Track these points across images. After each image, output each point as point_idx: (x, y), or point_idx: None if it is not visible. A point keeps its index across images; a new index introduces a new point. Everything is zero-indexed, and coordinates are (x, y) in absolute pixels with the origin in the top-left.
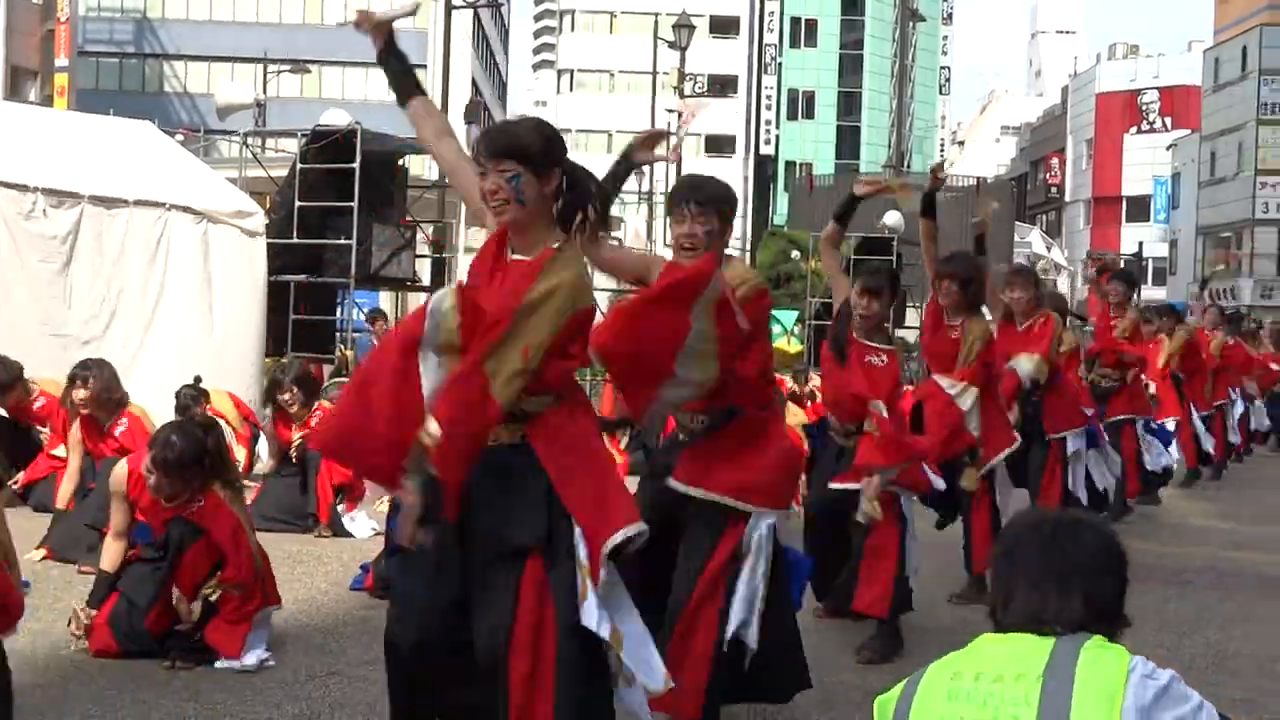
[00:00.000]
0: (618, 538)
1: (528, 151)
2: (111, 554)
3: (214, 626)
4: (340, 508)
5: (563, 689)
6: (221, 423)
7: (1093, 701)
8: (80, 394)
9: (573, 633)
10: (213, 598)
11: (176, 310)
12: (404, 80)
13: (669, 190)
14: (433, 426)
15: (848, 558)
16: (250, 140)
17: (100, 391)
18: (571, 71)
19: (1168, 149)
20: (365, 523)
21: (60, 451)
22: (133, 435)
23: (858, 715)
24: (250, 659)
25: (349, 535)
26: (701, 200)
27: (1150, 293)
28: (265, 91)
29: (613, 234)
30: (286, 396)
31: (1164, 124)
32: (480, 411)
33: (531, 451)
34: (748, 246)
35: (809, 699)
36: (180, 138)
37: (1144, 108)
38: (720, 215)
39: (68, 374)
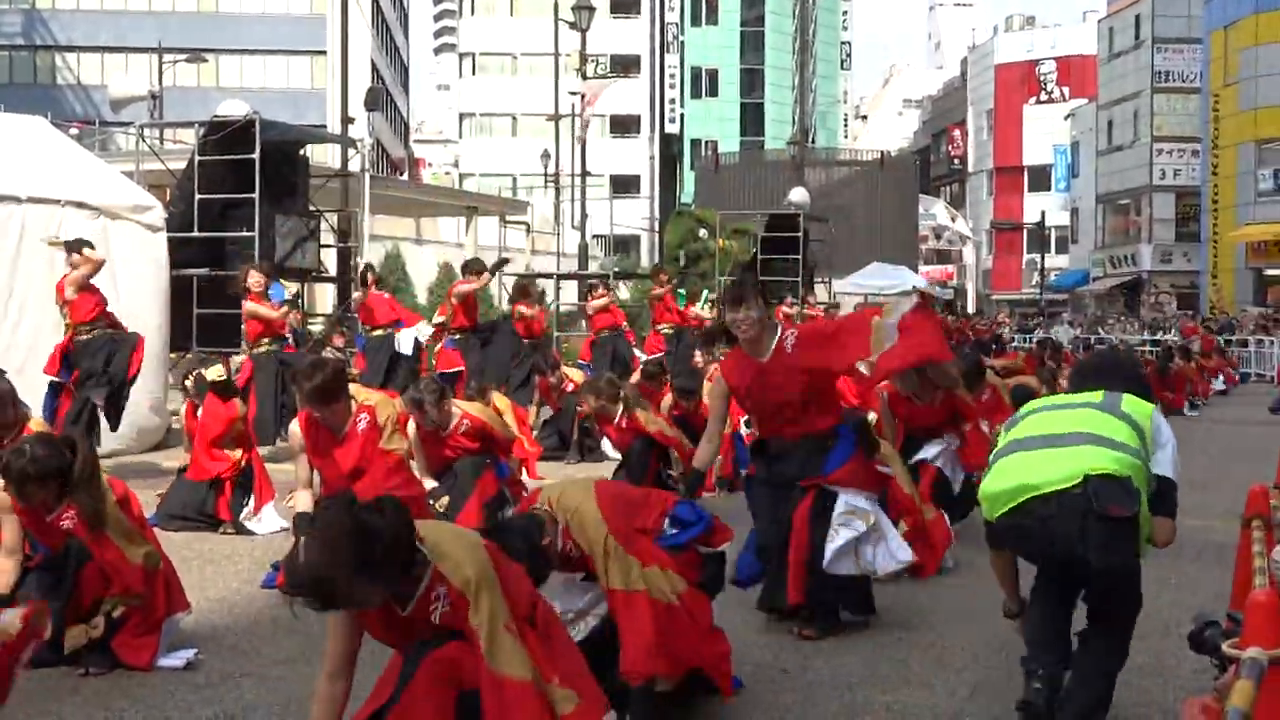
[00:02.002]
0: None
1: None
2: (4, 575)
3: (121, 642)
4: (246, 510)
5: None
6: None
7: (1134, 405)
8: None
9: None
10: (115, 614)
11: None
12: None
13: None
14: None
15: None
16: (147, 133)
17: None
18: (473, 55)
19: (1066, 118)
20: (273, 519)
21: None
22: None
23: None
24: (173, 660)
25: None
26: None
27: (1053, 260)
28: (161, 82)
29: (519, 218)
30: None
31: (1062, 94)
32: None
33: None
34: (655, 227)
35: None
36: (75, 131)
37: (1042, 78)
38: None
39: None
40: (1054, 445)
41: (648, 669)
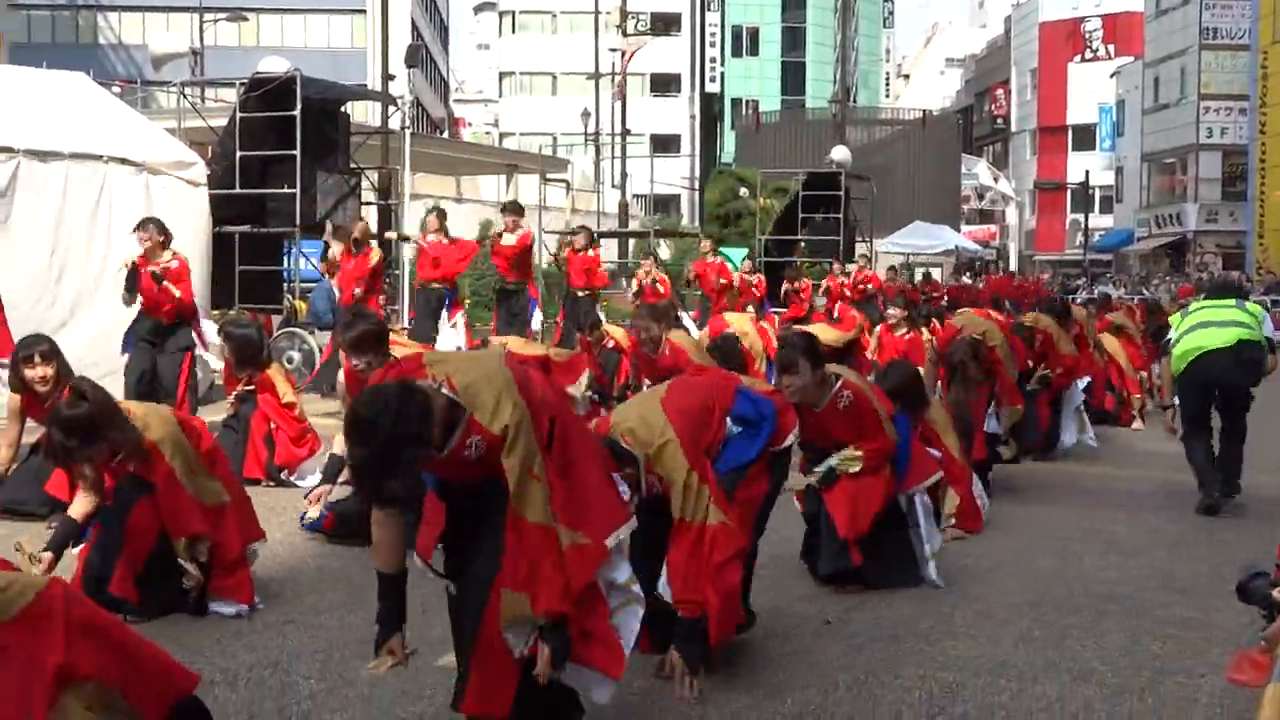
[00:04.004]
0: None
1: None
2: (83, 506)
3: (215, 587)
4: (283, 474)
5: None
6: None
7: (1252, 305)
8: (40, 371)
9: None
10: (203, 559)
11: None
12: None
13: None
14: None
15: None
16: (188, 90)
17: (57, 375)
18: (513, 13)
19: (1111, 76)
20: (315, 477)
21: None
22: None
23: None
24: (225, 608)
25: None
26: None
27: (1097, 220)
28: (202, 41)
29: (559, 176)
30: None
31: (1107, 51)
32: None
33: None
34: (696, 186)
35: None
36: (117, 90)
37: (1087, 35)
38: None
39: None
40: (1215, 326)
41: (698, 597)
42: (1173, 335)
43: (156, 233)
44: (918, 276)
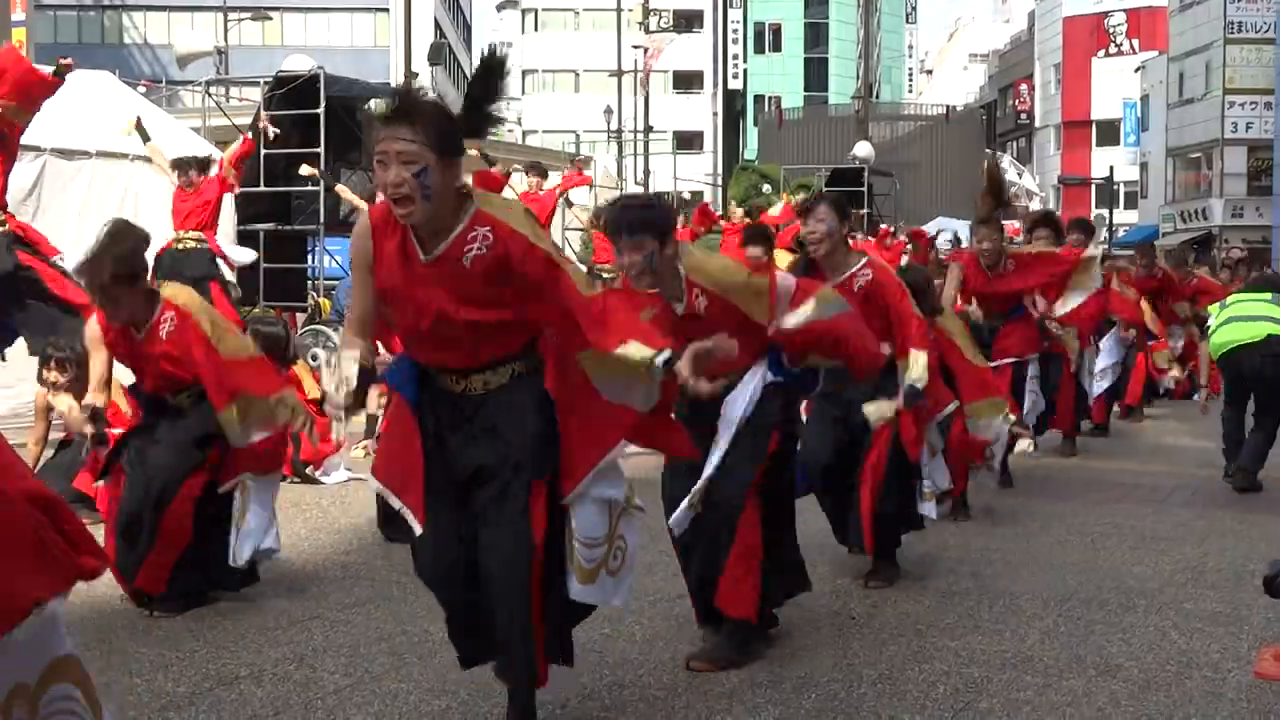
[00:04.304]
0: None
1: None
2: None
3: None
4: (308, 470)
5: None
6: None
7: None
8: (56, 377)
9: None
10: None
11: None
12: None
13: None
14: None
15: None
16: (212, 89)
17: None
18: (536, 11)
19: (1136, 71)
20: (340, 472)
21: None
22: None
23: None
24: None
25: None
26: (631, 230)
27: (1122, 216)
28: (226, 40)
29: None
30: None
31: (1131, 46)
32: None
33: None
34: (719, 182)
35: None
36: (142, 89)
37: (1111, 30)
38: (656, 237)
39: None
40: (1247, 320)
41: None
42: (1211, 323)
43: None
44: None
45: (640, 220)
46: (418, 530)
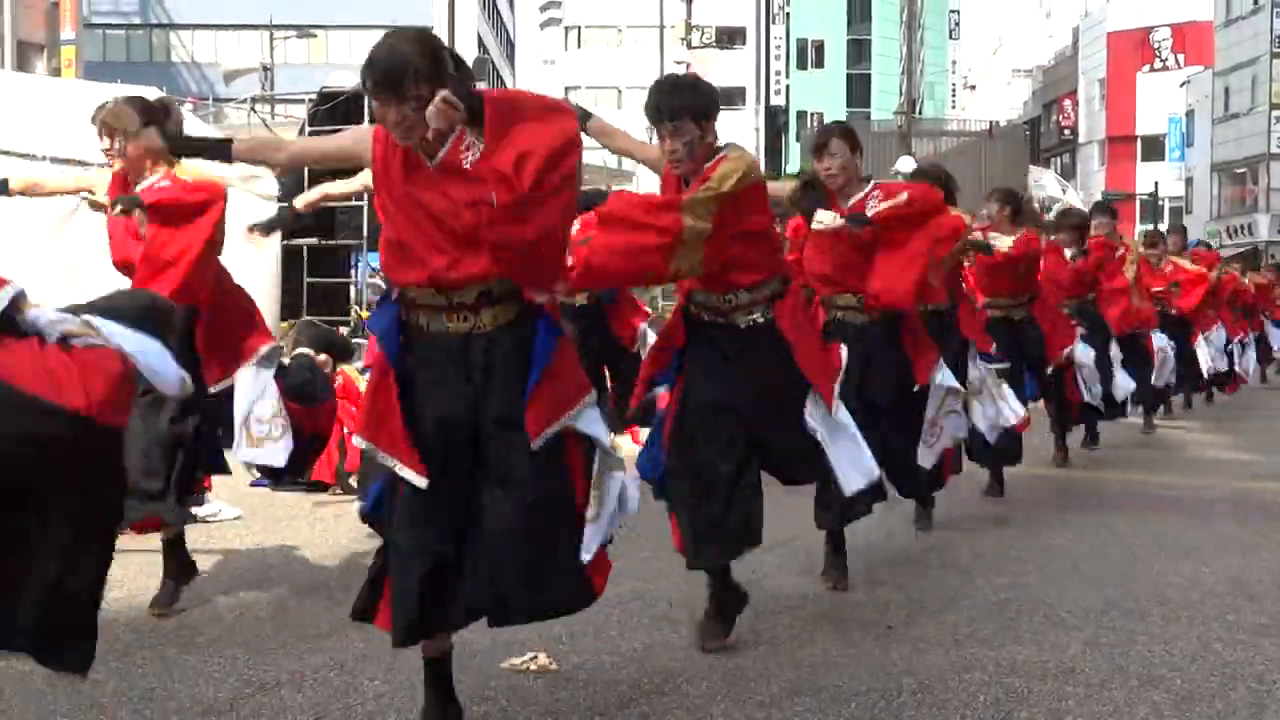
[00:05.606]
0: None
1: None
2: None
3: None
4: (351, 479)
5: None
6: None
7: None
8: None
9: None
10: None
11: None
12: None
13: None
14: None
15: None
16: (258, 106)
17: None
18: (579, 28)
19: (1181, 86)
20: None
21: None
22: None
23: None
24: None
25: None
26: (673, 115)
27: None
28: (272, 57)
29: (625, 188)
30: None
31: (1176, 61)
32: None
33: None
34: None
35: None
36: (189, 106)
37: (1156, 45)
38: (696, 120)
39: None
40: None
41: None
42: None
43: None
44: None
45: (683, 105)
46: (420, 484)
